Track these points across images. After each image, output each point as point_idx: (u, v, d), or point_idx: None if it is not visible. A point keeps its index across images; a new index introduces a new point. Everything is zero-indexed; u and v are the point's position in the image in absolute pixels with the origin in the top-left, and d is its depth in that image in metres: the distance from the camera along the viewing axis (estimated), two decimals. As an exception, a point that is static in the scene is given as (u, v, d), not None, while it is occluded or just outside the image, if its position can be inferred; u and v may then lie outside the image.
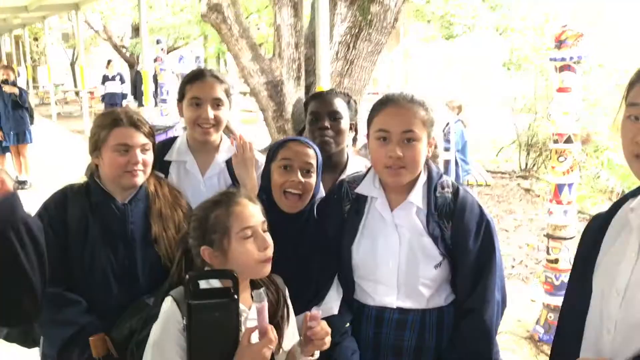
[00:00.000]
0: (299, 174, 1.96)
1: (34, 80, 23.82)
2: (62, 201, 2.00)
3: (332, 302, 1.91)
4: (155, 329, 1.58)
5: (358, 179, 1.99)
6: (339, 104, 2.40)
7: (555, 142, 3.86)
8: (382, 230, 1.88)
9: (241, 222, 1.62)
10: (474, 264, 1.83)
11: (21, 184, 8.23)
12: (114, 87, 14.44)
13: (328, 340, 1.65)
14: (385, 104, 1.86)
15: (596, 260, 1.39)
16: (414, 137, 1.79)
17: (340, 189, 2.01)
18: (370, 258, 1.86)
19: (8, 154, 8.66)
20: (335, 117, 2.37)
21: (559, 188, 3.88)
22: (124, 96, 14.70)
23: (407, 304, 1.85)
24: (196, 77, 2.31)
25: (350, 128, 2.44)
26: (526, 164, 9.47)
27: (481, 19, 7.76)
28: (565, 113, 3.81)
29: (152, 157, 2.03)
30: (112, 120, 1.97)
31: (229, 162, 2.34)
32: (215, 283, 1.61)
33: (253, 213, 1.65)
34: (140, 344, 1.68)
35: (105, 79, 14.70)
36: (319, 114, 2.38)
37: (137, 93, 14.04)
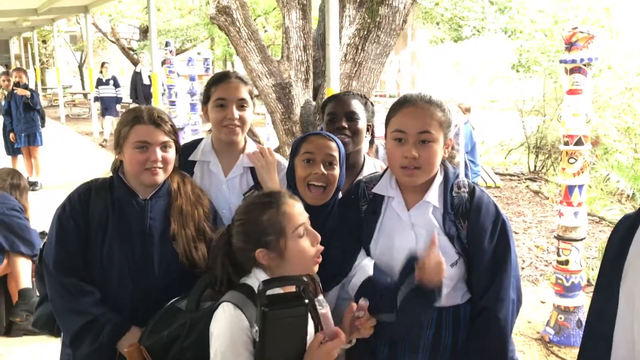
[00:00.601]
0: (322, 166, 2.01)
1: (43, 82, 23.98)
2: (86, 194, 2.05)
3: (366, 267, 1.93)
4: (221, 337, 1.58)
5: (375, 179, 2.02)
6: (356, 105, 2.44)
7: (566, 144, 3.87)
8: (398, 230, 1.90)
9: (295, 221, 1.67)
10: (489, 262, 1.85)
11: (32, 185, 8.30)
12: (107, 91, 13.51)
13: (372, 329, 1.71)
14: (402, 104, 1.89)
15: (625, 262, 1.36)
16: (430, 138, 1.82)
17: (357, 189, 2.05)
18: (388, 257, 1.89)
19: (20, 156, 8.74)
20: (352, 117, 2.41)
21: (569, 190, 3.89)
22: (118, 100, 13.65)
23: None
24: (221, 79, 2.36)
25: (367, 130, 2.48)
26: (535, 166, 9.45)
27: (490, 22, 7.78)
28: (576, 115, 3.82)
29: (173, 155, 2.06)
30: (134, 117, 2.01)
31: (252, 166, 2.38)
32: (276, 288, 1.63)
33: (301, 211, 1.71)
34: (186, 350, 1.70)
35: (99, 82, 13.78)
36: (336, 115, 2.42)
37: (138, 95, 12.99)
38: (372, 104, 2.60)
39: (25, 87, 8.27)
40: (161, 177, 2.03)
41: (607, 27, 7.69)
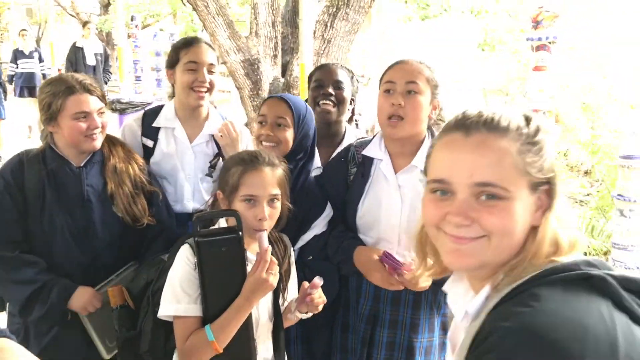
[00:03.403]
0: (271, 127, 2.07)
1: (-2, 56, 23.15)
2: (19, 167, 2.06)
3: (321, 224, 2.07)
4: (172, 271, 1.68)
5: (365, 144, 2.11)
6: (343, 75, 2.52)
7: (531, 118, 4.04)
8: (385, 191, 2.00)
9: (247, 189, 1.71)
10: None
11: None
12: (30, 66, 10.10)
13: (321, 307, 1.78)
14: (396, 63, 1.99)
15: None
16: (417, 89, 1.91)
17: (347, 152, 2.14)
18: (374, 216, 1.99)
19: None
20: (338, 86, 2.48)
21: (534, 162, 4.08)
22: (44, 78, 9.99)
23: (406, 255, 1.99)
24: (191, 43, 2.38)
25: (350, 102, 2.56)
26: (497, 143, 9.71)
27: (456, 1, 7.91)
28: (541, 90, 4.00)
29: (107, 120, 2.11)
30: (66, 87, 2.02)
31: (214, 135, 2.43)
32: (224, 224, 1.74)
33: (265, 183, 1.71)
34: (156, 292, 1.78)
35: (17, 55, 10.17)
36: (323, 82, 2.50)
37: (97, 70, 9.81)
38: (357, 80, 2.67)
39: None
40: (99, 142, 2.08)
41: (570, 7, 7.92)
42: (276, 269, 1.64)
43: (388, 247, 1.98)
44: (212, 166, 2.40)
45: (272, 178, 1.73)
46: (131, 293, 1.92)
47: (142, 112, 2.50)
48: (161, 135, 2.40)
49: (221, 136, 2.36)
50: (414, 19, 9.22)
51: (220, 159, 2.40)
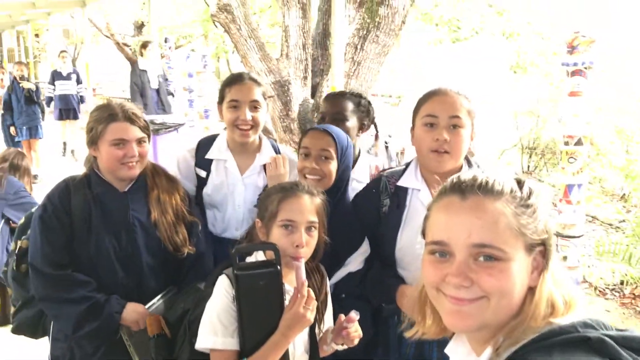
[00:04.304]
0: (316, 160, 2.07)
1: (35, 76, 23.84)
2: (65, 192, 2.12)
3: (357, 260, 2.05)
4: (210, 302, 1.69)
5: (397, 174, 2.08)
6: (345, 106, 2.54)
7: (566, 144, 3.99)
8: None
9: (286, 214, 1.72)
10: None
11: (32, 177, 8.32)
12: (67, 87, 10.02)
13: (357, 341, 1.76)
14: (433, 93, 1.97)
15: None
16: (460, 123, 1.89)
17: (378, 183, 2.11)
18: (415, 248, 1.94)
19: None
20: (338, 117, 2.51)
21: (569, 188, 4.02)
22: (81, 100, 10.29)
23: None
24: (235, 81, 2.41)
25: (362, 128, 2.57)
26: (528, 167, 9.60)
27: (488, 24, 7.90)
28: (576, 115, 3.94)
29: (148, 149, 2.16)
30: (109, 115, 2.08)
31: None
32: (262, 257, 1.74)
33: (303, 209, 1.72)
34: (193, 322, 1.79)
35: (56, 76, 10.06)
36: (324, 115, 2.56)
37: (146, 102, 8.60)
38: (368, 102, 2.67)
39: (27, 80, 8.29)
40: (137, 171, 2.13)
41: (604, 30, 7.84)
42: (314, 304, 1.63)
43: None
44: None
45: (310, 205, 1.74)
46: (168, 321, 1.94)
47: (196, 142, 2.55)
48: (213, 166, 2.46)
49: (270, 168, 2.38)
50: (445, 41, 9.24)
51: None
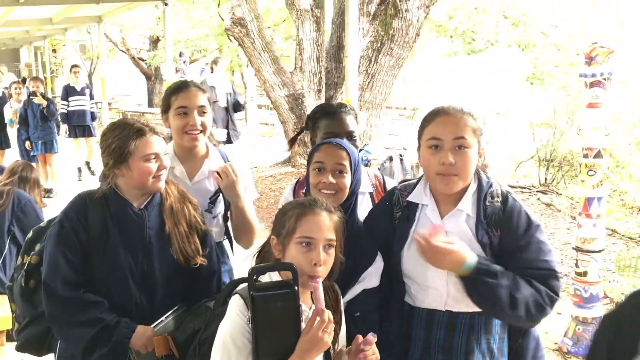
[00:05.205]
0: (331, 175, 2.05)
1: (52, 91, 24.16)
2: (82, 208, 2.10)
3: (372, 277, 2.00)
4: (224, 323, 1.65)
5: (409, 187, 2.07)
6: (352, 121, 2.49)
7: (585, 156, 3.91)
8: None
9: (304, 231, 1.68)
10: (522, 271, 1.88)
11: (48, 192, 8.37)
12: (81, 103, 9.59)
13: None
14: (436, 114, 1.95)
15: None
16: (465, 144, 1.87)
17: (391, 196, 2.09)
18: (420, 263, 1.91)
19: (34, 164, 8.80)
20: (352, 136, 2.46)
21: (589, 201, 3.93)
22: (93, 117, 9.87)
23: (456, 308, 1.93)
24: (180, 89, 2.48)
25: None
26: (545, 179, 9.48)
27: (503, 35, 7.86)
28: (595, 128, 3.86)
29: (169, 161, 2.19)
30: (137, 130, 2.07)
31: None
32: (276, 276, 1.69)
33: (322, 227, 1.69)
34: (204, 342, 1.76)
35: (69, 92, 9.61)
36: (339, 133, 2.45)
37: (215, 119, 7.80)
38: (356, 113, 2.62)
39: (43, 95, 8.37)
40: (164, 182, 2.15)
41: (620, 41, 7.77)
42: (331, 326, 1.58)
43: (437, 296, 1.93)
44: (212, 202, 2.48)
45: (329, 223, 1.71)
46: (176, 341, 1.91)
47: None
48: None
49: (221, 179, 2.41)
50: (459, 53, 9.20)
51: (220, 195, 2.49)
